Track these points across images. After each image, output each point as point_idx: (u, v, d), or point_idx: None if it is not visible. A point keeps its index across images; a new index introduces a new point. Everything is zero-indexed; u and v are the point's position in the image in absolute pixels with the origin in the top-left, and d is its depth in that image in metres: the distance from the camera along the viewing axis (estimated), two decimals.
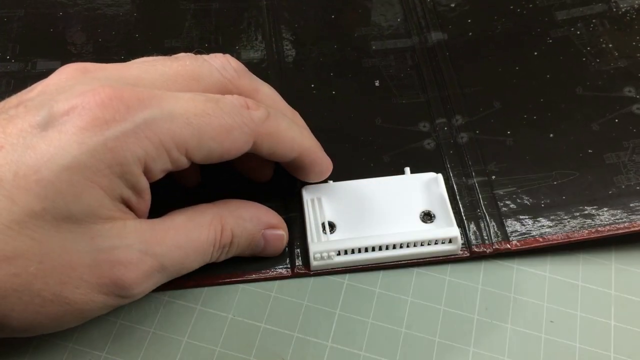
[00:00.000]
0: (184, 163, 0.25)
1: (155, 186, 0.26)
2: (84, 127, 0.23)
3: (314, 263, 0.30)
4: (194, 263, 0.27)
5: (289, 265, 0.30)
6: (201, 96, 0.26)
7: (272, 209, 0.30)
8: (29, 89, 0.26)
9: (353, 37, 0.39)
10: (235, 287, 0.30)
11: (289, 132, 0.28)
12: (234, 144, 0.26)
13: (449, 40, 0.39)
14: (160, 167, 0.25)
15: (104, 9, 0.40)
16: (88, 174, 0.23)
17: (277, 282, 0.30)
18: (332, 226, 0.31)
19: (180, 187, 0.31)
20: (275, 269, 0.30)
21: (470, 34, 0.39)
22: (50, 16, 0.40)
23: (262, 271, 0.30)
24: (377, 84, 0.37)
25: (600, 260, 0.31)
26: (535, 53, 0.38)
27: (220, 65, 0.28)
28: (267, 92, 0.30)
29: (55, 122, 0.23)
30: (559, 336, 0.29)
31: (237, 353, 0.28)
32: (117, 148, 0.23)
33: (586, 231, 0.31)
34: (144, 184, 0.25)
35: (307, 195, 0.32)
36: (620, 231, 0.31)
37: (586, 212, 0.31)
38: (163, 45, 0.39)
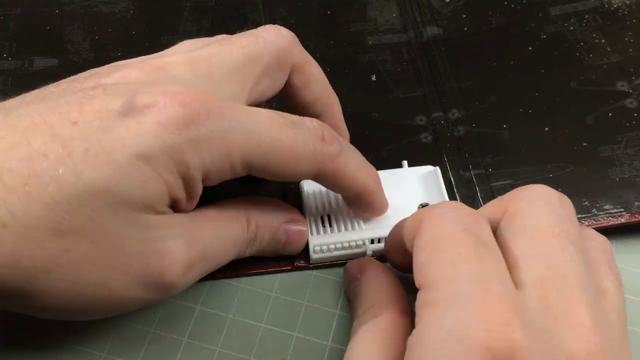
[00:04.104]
0: (240, 174, 0.25)
1: None
2: (164, 124, 0.22)
3: (313, 256, 0.30)
4: (230, 255, 0.27)
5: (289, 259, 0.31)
6: (280, 118, 0.25)
7: None
8: (101, 72, 0.26)
9: (349, 33, 0.39)
10: (235, 286, 0.30)
11: (355, 172, 0.27)
12: (297, 173, 0.26)
13: (444, 35, 0.39)
14: (219, 177, 0.25)
15: (100, 6, 0.40)
16: (157, 167, 0.22)
17: (277, 281, 0.30)
18: (331, 219, 0.31)
19: None
20: (276, 262, 0.30)
21: (466, 29, 0.39)
22: (47, 14, 0.40)
23: (263, 265, 0.30)
24: (373, 78, 0.37)
25: None
26: (530, 48, 0.38)
27: (274, 36, 0.28)
28: (315, 64, 0.30)
29: (135, 112, 0.23)
30: None
31: (237, 353, 0.28)
32: (189, 150, 0.23)
33: (582, 223, 0.31)
34: (198, 190, 0.25)
35: (307, 189, 0.32)
36: (615, 223, 0.31)
37: (581, 204, 0.32)
38: (160, 41, 0.39)
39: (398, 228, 0.26)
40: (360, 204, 0.29)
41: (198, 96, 0.23)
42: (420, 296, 0.22)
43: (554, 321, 0.20)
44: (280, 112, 0.26)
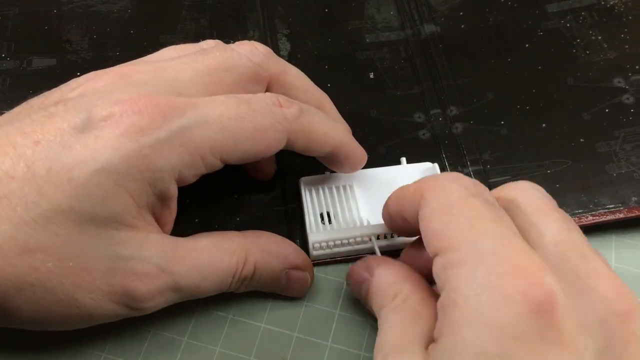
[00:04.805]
0: (217, 166, 0.25)
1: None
2: (121, 134, 0.23)
3: (313, 253, 0.30)
4: (211, 289, 0.27)
5: None
6: (234, 98, 0.26)
7: (271, 200, 0.31)
8: (69, 85, 0.26)
9: (347, 30, 0.39)
10: None
11: (322, 127, 0.28)
12: (268, 144, 0.26)
13: (442, 32, 0.39)
14: (194, 172, 0.25)
15: (98, 5, 0.41)
16: (118, 179, 0.23)
17: None
18: (330, 216, 0.31)
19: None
20: None
21: (463, 26, 0.40)
22: (45, 14, 0.40)
23: None
24: (371, 76, 0.37)
25: None
26: (527, 45, 0.38)
27: (249, 51, 0.28)
28: (294, 72, 0.30)
29: (92, 127, 0.23)
30: None
31: (237, 353, 0.28)
32: (151, 155, 0.23)
33: (580, 218, 0.31)
34: (172, 192, 0.25)
35: (306, 186, 0.32)
36: (612, 218, 0.31)
37: (579, 199, 0.32)
38: (158, 40, 0.39)
39: (395, 199, 0.26)
40: (339, 159, 0.30)
41: (152, 100, 0.24)
42: (439, 262, 0.22)
43: (576, 270, 0.22)
44: (234, 94, 0.26)
